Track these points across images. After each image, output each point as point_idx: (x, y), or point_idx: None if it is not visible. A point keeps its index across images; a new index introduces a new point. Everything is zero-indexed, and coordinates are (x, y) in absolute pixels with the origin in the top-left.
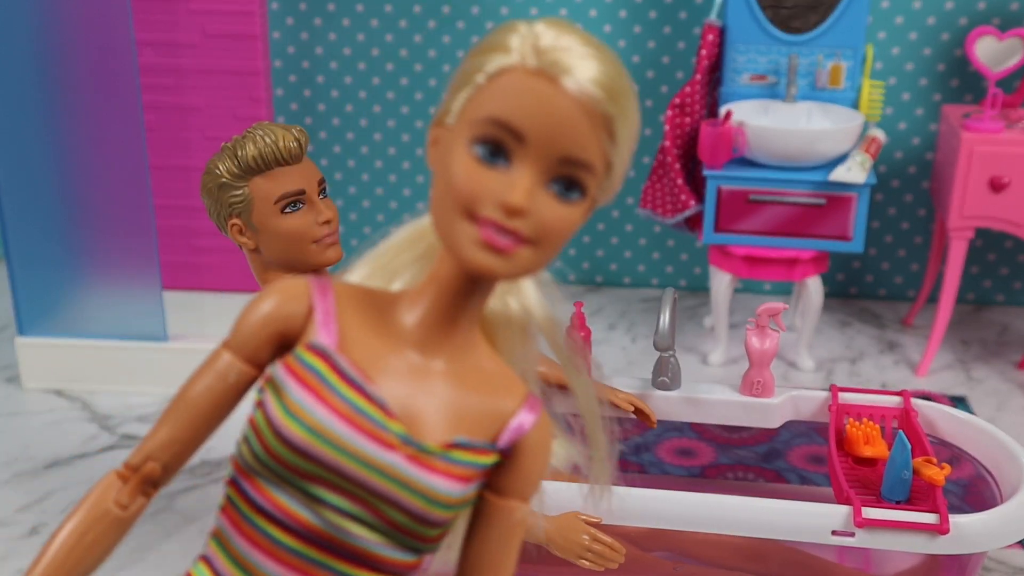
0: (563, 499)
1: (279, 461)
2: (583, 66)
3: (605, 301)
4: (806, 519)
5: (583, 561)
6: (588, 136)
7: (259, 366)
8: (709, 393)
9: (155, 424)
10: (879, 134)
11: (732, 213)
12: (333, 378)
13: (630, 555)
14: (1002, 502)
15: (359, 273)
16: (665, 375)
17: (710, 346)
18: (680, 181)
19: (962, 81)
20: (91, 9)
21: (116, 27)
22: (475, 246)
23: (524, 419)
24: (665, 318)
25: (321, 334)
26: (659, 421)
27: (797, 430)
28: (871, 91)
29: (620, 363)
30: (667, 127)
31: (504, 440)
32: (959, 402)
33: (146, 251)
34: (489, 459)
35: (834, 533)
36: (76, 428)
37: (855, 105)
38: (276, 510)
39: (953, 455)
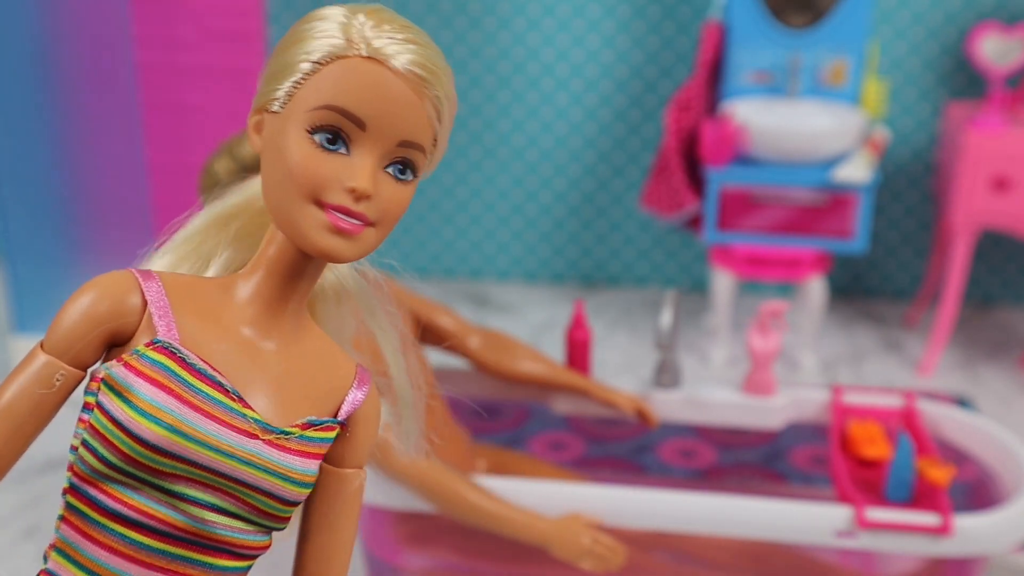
0: (564, 500)
1: (135, 463)
2: (411, 50)
3: (606, 301)
4: (809, 520)
5: (584, 563)
6: (422, 118)
7: (84, 367)
8: (711, 394)
9: None
10: (883, 132)
11: (734, 212)
12: (184, 373)
13: (631, 557)
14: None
15: (165, 260)
16: (666, 375)
17: (712, 346)
18: (682, 179)
19: (968, 78)
20: (89, 8)
21: (114, 25)
22: (323, 231)
23: (358, 392)
24: (667, 318)
25: (160, 329)
26: (660, 422)
27: (799, 431)
28: (875, 89)
29: (621, 363)
30: (669, 125)
31: (343, 414)
32: (964, 402)
33: (145, 250)
34: (334, 434)
35: (837, 534)
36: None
37: (859, 103)
38: (134, 512)
39: (958, 456)
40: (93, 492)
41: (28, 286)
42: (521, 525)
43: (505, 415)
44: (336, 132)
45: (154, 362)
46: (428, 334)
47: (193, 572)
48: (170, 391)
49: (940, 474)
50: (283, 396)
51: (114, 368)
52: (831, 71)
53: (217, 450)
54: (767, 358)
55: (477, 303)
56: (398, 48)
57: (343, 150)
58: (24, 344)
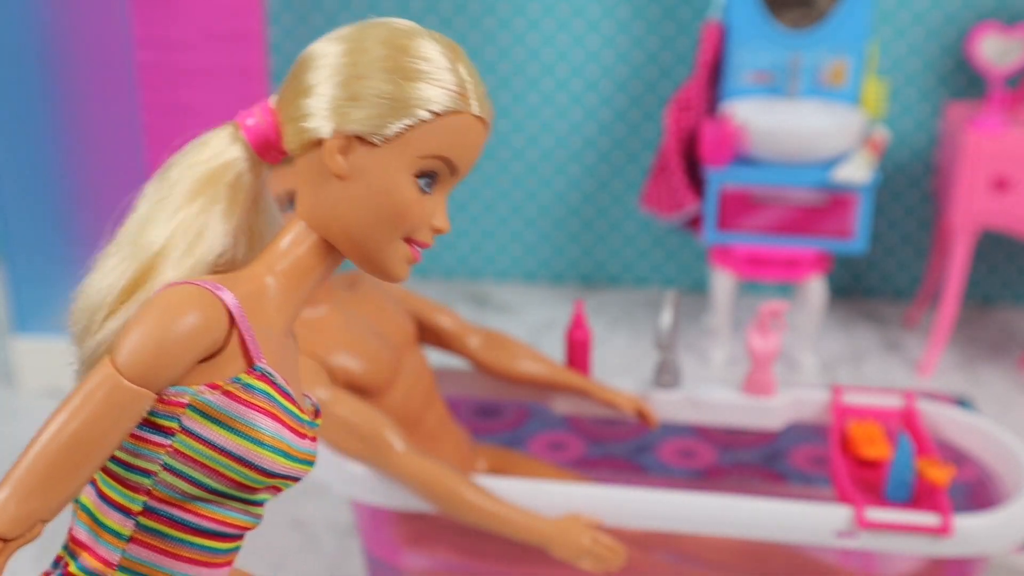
0: (564, 500)
1: (242, 487)
2: (491, 105)
3: (605, 301)
4: (809, 520)
5: (584, 563)
6: None
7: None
8: (711, 394)
9: (40, 477)
10: (882, 132)
11: (734, 212)
12: (279, 397)
13: (631, 557)
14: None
15: (183, 266)
16: (666, 376)
17: (712, 346)
18: (681, 179)
19: (968, 78)
20: (89, 8)
21: (114, 25)
22: (405, 263)
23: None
24: (667, 318)
25: (252, 352)
26: (660, 422)
27: (800, 431)
28: (875, 89)
29: (621, 363)
30: (669, 125)
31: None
32: (964, 402)
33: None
34: None
35: (837, 535)
36: None
37: (859, 103)
38: (217, 525)
39: (958, 456)
40: (176, 512)
41: (28, 286)
42: (521, 525)
43: (505, 415)
44: (434, 176)
45: (258, 391)
46: (428, 334)
47: (234, 556)
48: (279, 420)
49: (940, 474)
50: (298, 387)
51: (207, 395)
52: (831, 71)
53: (303, 461)
54: (767, 358)
55: (477, 303)
56: (489, 105)
57: (429, 191)
58: (24, 344)
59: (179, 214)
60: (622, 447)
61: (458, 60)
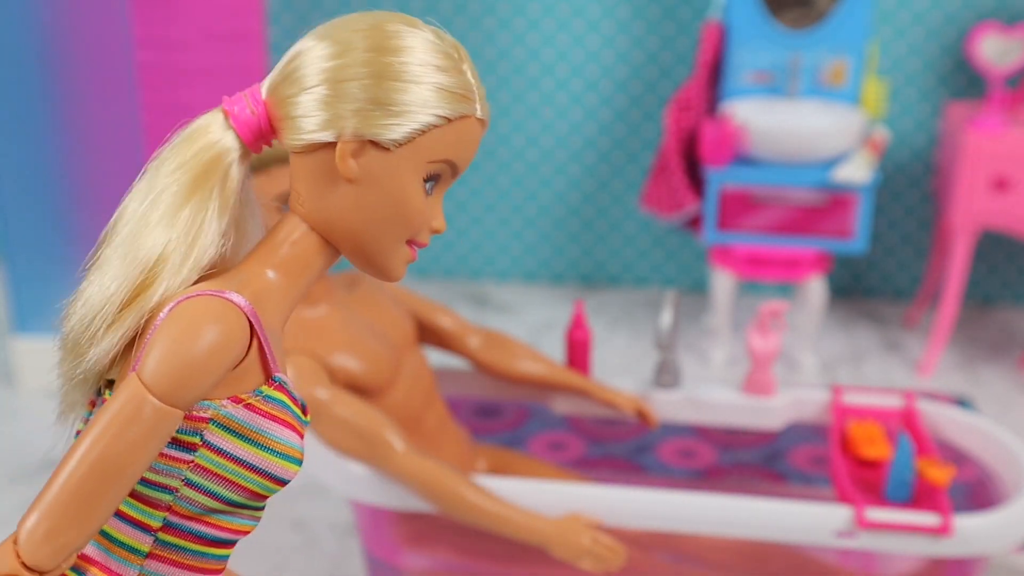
0: (564, 500)
1: (259, 497)
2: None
3: (605, 301)
4: (809, 520)
5: (584, 563)
6: None
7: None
8: (711, 394)
9: (71, 506)
10: (883, 132)
11: (734, 212)
12: (291, 405)
13: (631, 557)
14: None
15: (185, 270)
16: (666, 376)
17: (712, 346)
18: (681, 179)
19: (968, 78)
20: (89, 8)
21: (114, 26)
22: (404, 264)
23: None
24: (667, 318)
25: (271, 362)
26: (660, 422)
27: (799, 431)
28: (875, 89)
29: (621, 364)
30: (669, 125)
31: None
32: (964, 402)
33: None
34: None
35: (837, 535)
36: (74, 429)
37: (859, 103)
38: (229, 534)
39: (958, 456)
40: (195, 526)
41: (28, 286)
42: (521, 525)
43: (505, 415)
44: (437, 179)
45: (278, 402)
46: (428, 334)
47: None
48: (290, 426)
49: (940, 474)
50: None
51: (229, 409)
52: (831, 71)
53: (302, 462)
54: (767, 358)
55: (477, 303)
56: (488, 106)
57: (431, 193)
58: (24, 344)
59: (176, 217)
60: (622, 447)
61: (463, 61)
